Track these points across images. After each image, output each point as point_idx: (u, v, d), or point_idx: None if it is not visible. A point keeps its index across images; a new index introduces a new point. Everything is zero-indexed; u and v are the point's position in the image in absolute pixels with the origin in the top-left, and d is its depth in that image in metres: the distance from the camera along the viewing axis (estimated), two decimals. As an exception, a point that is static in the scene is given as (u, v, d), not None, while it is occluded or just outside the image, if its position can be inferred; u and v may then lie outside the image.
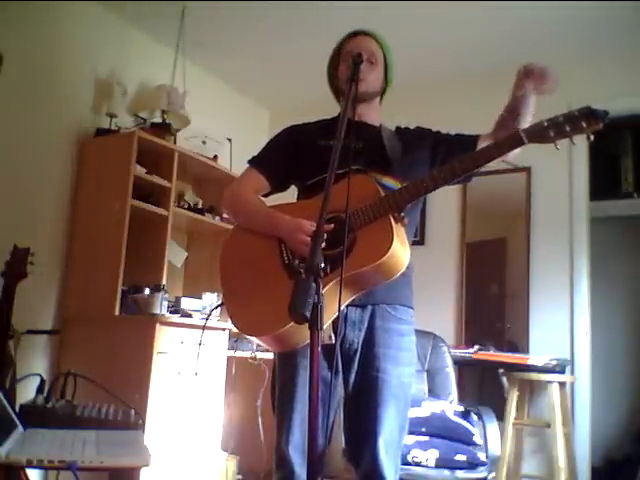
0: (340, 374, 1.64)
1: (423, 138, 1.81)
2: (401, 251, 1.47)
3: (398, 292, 1.65)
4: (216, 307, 2.84)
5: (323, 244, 1.43)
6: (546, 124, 1.43)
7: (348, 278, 1.44)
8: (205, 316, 3.04)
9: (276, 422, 1.65)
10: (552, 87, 1.61)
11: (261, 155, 1.83)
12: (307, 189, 1.71)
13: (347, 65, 1.69)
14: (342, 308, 1.52)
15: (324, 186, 1.26)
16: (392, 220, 1.49)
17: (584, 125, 1.39)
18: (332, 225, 1.51)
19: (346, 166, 1.43)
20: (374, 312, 1.63)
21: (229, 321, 1.60)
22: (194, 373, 2.86)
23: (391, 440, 1.59)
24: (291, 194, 1.85)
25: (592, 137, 1.40)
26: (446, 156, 1.72)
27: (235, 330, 1.61)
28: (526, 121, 1.65)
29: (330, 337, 1.47)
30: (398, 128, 1.85)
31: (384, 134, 1.77)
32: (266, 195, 1.82)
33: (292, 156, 1.76)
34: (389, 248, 1.43)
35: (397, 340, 1.64)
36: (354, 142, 1.63)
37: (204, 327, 2.83)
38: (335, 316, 1.46)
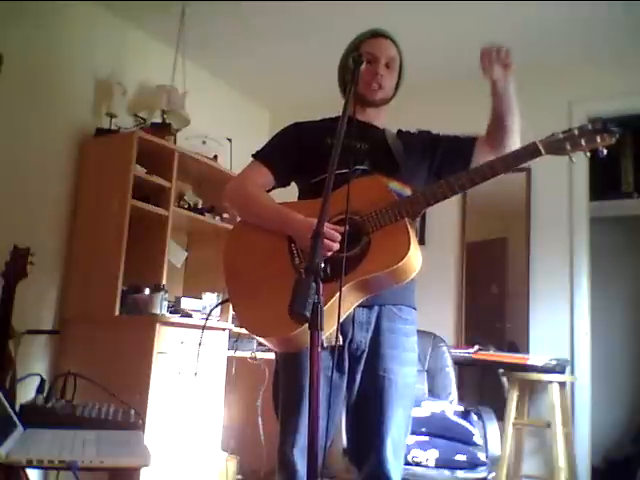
0: (345, 375, 1.62)
1: (422, 140, 1.82)
2: (415, 256, 1.47)
3: (403, 293, 1.64)
4: (217, 305, 2.83)
5: (337, 246, 1.44)
6: (562, 136, 1.46)
7: (362, 281, 1.44)
8: (205, 316, 3.03)
9: (280, 424, 1.63)
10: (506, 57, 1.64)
11: (267, 149, 1.79)
12: (310, 187, 1.68)
13: (366, 67, 1.66)
14: (350, 310, 1.51)
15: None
16: (408, 224, 1.48)
17: (598, 140, 1.42)
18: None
19: (352, 166, 1.43)
20: (380, 312, 1.63)
21: (230, 321, 1.59)
22: (194, 373, 2.86)
23: (398, 440, 1.59)
24: (289, 190, 1.84)
25: (605, 152, 1.42)
26: (443, 157, 1.73)
27: (235, 330, 1.60)
28: (512, 122, 1.68)
29: (337, 338, 1.47)
30: (400, 131, 1.84)
31: (389, 137, 1.76)
32: (268, 191, 1.77)
33: (298, 153, 1.73)
34: (406, 253, 1.43)
35: (402, 341, 1.64)
36: (359, 143, 1.63)
37: (204, 327, 2.82)
38: (343, 318, 1.45)
